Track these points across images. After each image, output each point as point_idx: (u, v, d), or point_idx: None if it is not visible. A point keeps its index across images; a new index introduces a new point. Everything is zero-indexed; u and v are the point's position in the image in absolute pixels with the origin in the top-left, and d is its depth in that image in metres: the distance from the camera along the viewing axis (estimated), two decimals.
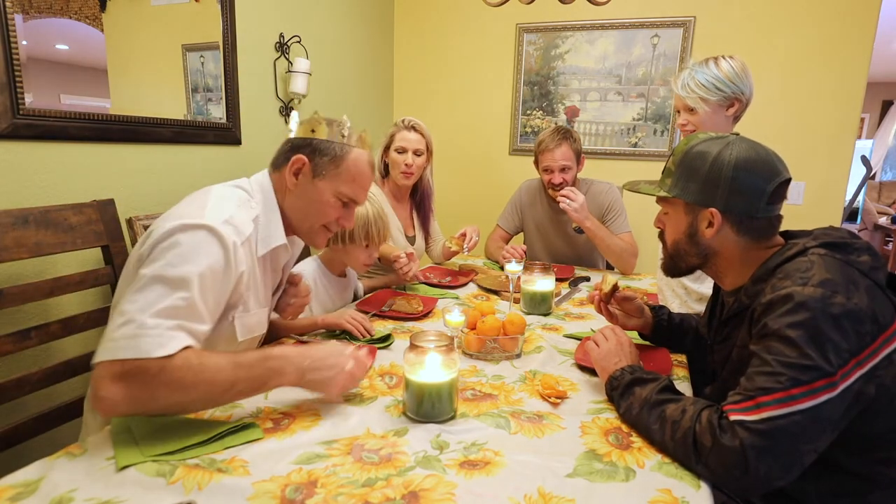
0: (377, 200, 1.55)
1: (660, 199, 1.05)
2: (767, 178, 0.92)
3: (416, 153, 2.00)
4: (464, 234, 1.95)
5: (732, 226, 0.95)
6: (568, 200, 1.98)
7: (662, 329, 1.29)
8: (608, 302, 1.27)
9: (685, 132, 1.58)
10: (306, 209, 1.11)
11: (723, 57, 1.51)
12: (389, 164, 2.05)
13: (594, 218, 2.06)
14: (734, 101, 1.51)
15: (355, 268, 1.58)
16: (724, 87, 1.48)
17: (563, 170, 2.11)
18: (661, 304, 1.62)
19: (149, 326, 0.83)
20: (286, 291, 1.27)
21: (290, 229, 1.14)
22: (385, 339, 1.33)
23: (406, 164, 1.99)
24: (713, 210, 0.94)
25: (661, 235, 1.09)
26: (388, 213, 2.03)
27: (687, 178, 0.97)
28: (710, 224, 0.96)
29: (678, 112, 1.61)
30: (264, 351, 0.94)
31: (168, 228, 0.92)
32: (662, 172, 1.04)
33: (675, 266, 1.07)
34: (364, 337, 1.33)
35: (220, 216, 0.96)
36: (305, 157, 1.08)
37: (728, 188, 0.93)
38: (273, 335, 1.32)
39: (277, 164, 1.13)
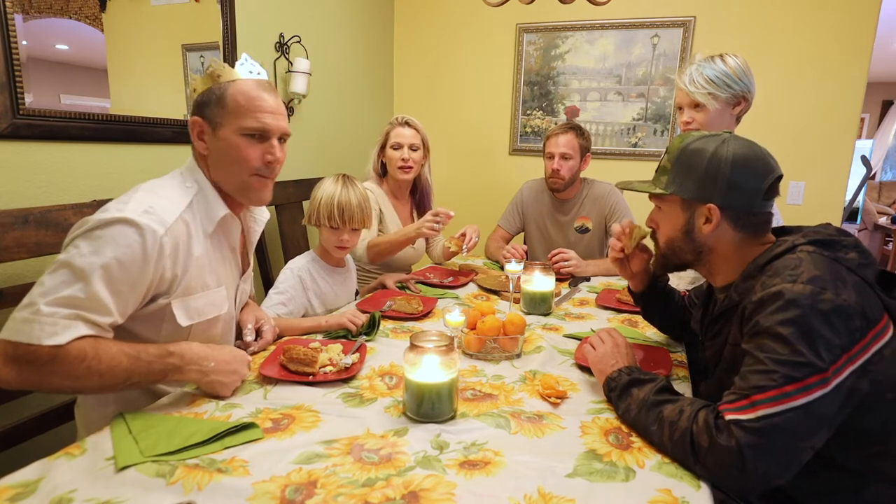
0: (360, 189, 1.56)
1: (654, 197, 1.05)
2: (763, 175, 0.94)
3: (412, 148, 2.01)
4: (463, 235, 1.96)
5: (730, 221, 0.96)
6: (564, 263, 1.99)
7: (656, 290, 1.34)
8: (630, 252, 1.29)
9: (687, 131, 1.54)
10: (226, 165, 1.07)
11: (727, 54, 1.49)
12: (386, 162, 2.05)
13: (594, 261, 2.07)
14: (741, 100, 1.49)
15: (331, 251, 1.58)
16: (733, 84, 1.46)
17: (563, 156, 2.12)
18: None
19: (44, 314, 0.84)
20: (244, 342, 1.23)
21: (229, 199, 1.12)
22: (371, 326, 1.36)
23: (403, 160, 1.99)
24: (711, 206, 0.95)
25: (653, 235, 1.10)
26: (387, 212, 2.04)
27: (684, 175, 0.98)
28: (708, 220, 0.96)
29: (680, 109, 1.57)
30: (167, 347, 0.95)
31: (90, 222, 0.93)
32: (657, 171, 1.05)
33: (666, 263, 1.08)
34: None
35: (140, 207, 0.96)
36: (198, 117, 1.07)
37: (726, 184, 0.94)
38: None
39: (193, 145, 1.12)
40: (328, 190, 1.52)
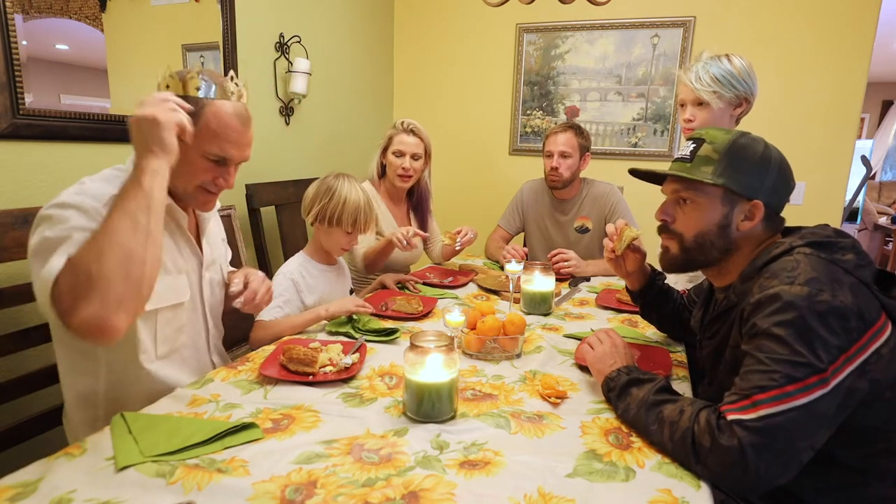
0: (367, 195, 1.56)
1: (686, 189, 1.00)
2: (793, 181, 0.99)
3: (414, 157, 2.00)
4: (459, 231, 1.96)
5: (765, 220, 0.97)
6: (564, 263, 1.99)
7: (654, 289, 1.34)
8: (620, 253, 1.29)
9: (688, 129, 1.53)
10: (176, 172, 1.00)
11: (733, 55, 1.48)
12: (387, 166, 2.05)
13: (594, 261, 2.07)
14: (742, 102, 1.48)
15: (333, 251, 1.59)
16: (737, 84, 1.45)
17: (562, 155, 2.12)
18: None
19: (51, 261, 0.86)
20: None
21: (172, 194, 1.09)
22: (390, 334, 1.34)
23: (403, 168, 1.99)
24: (757, 202, 0.95)
25: (666, 227, 1.05)
26: (383, 213, 2.04)
27: (734, 168, 0.96)
28: (747, 217, 0.96)
29: (682, 106, 1.55)
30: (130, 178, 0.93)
31: (34, 226, 0.93)
32: (691, 161, 0.99)
33: (689, 261, 1.03)
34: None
35: (72, 190, 0.96)
36: None
37: (773, 183, 0.96)
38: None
39: None
40: (350, 194, 1.50)
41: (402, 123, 2.03)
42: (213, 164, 1.06)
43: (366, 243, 1.92)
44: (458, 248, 2.00)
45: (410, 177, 2.02)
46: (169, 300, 1.09)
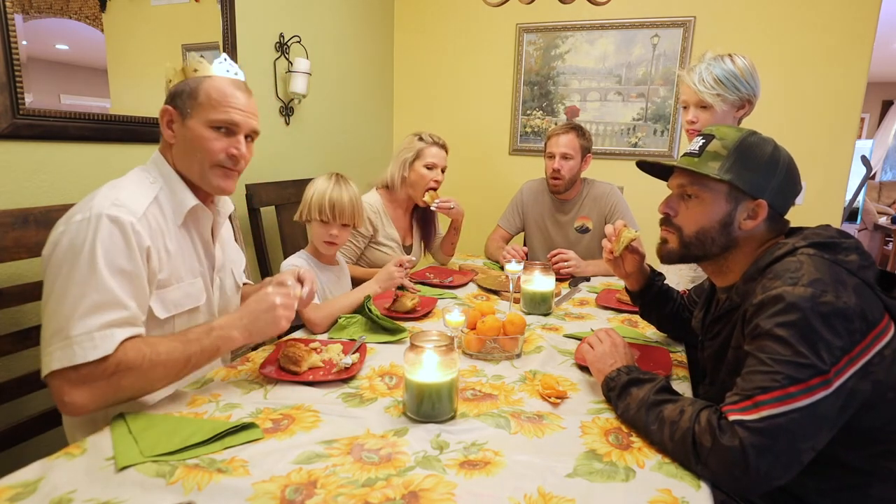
0: (352, 188, 1.59)
1: (693, 184, 0.99)
2: (799, 185, 0.99)
3: (443, 169, 2.05)
4: (446, 201, 2.00)
5: (768, 221, 0.97)
6: (564, 263, 1.99)
7: (653, 290, 1.34)
8: (618, 254, 1.29)
9: (692, 131, 1.51)
10: (190, 153, 1.08)
11: (736, 54, 1.46)
12: (412, 177, 2.02)
13: (594, 261, 2.07)
14: (745, 103, 1.47)
15: (319, 246, 1.61)
16: (741, 86, 1.43)
17: (564, 156, 2.12)
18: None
19: (74, 335, 0.86)
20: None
21: (197, 189, 1.12)
22: (397, 332, 1.35)
23: (435, 181, 2.02)
24: (762, 202, 0.95)
25: (668, 220, 1.04)
26: (386, 223, 2.03)
27: (742, 165, 0.95)
28: (750, 216, 0.96)
29: (685, 108, 1.52)
30: (207, 324, 0.99)
31: (61, 231, 0.93)
32: (698, 155, 0.98)
33: (685, 254, 1.03)
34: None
35: (107, 202, 0.95)
36: (169, 106, 1.09)
37: (779, 184, 0.96)
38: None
39: (160, 136, 1.13)
40: (320, 186, 1.57)
41: (430, 136, 2.04)
42: (222, 134, 1.08)
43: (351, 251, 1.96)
44: (433, 208, 2.02)
45: (438, 189, 2.05)
46: (185, 306, 1.10)
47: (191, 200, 1.10)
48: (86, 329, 0.87)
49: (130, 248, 0.94)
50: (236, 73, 1.12)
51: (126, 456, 0.79)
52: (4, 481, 0.73)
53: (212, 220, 1.18)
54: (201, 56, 1.10)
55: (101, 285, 0.89)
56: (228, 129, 1.08)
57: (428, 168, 2.01)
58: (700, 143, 1.00)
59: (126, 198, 0.98)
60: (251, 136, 1.14)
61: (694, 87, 1.47)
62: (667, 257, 1.07)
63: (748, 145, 0.96)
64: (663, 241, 1.07)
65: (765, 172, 0.95)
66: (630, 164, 2.89)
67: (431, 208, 2.01)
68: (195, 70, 1.08)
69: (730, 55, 1.46)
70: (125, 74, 1.63)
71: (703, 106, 1.47)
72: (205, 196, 1.15)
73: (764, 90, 1.52)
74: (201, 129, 1.06)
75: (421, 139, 2.03)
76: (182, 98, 1.07)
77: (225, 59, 1.12)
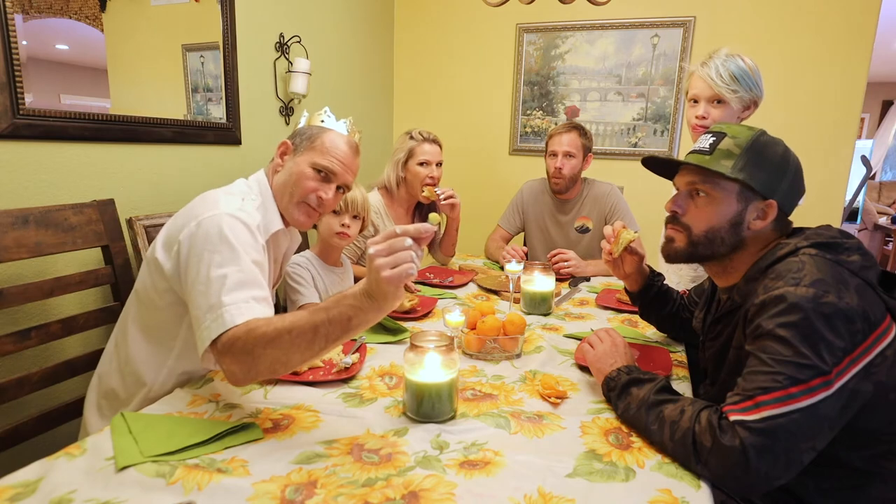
0: (359, 184, 1.58)
1: (701, 180, 0.98)
2: (804, 182, 0.99)
3: (438, 165, 2.04)
4: (448, 196, 2.00)
5: (775, 221, 0.97)
6: (564, 263, 1.99)
7: (652, 290, 1.34)
8: (617, 255, 1.29)
9: (700, 126, 1.47)
10: (288, 183, 1.20)
11: (743, 56, 1.45)
12: (408, 177, 2.05)
13: (594, 261, 2.07)
14: (752, 104, 1.46)
15: (329, 239, 1.58)
16: (752, 86, 1.42)
17: (566, 155, 2.13)
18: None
19: (226, 304, 0.93)
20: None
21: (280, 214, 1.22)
22: (399, 332, 1.35)
23: (431, 178, 2.02)
24: (772, 202, 0.95)
25: (675, 219, 1.02)
26: (387, 224, 2.04)
27: (755, 165, 0.94)
28: (760, 216, 0.96)
29: (696, 102, 1.47)
30: (338, 294, 0.93)
31: (193, 227, 1.01)
32: (708, 154, 0.96)
33: (694, 253, 1.01)
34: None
35: (232, 207, 1.06)
36: (288, 140, 1.23)
37: (789, 185, 0.95)
38: None
39: (272, 159, 1.25)
40: None
41: (420, 133, 2.04)
42: (319, 176, 1.20)
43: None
44: (442, 202, 2.01)
45: (436, 184, 2.04)
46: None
47: (277, 224, 1.20)
48: (234, 300, 0.93)
49: (256, 243, 1.06)
50: (356, 135, 1.27)
51: (126, 456, 0.79)
52: (4, 481, 0.73)
53: (287, 245, 1.32)
54: (330, 113, 1.25)
55: (245, 266, 0.98)
56: (327, 174, 1.21)
57: (422, 165, 2.01)
58: (710, 141, 0.98)
59: (245, 209, 1.10)
60: (343, 188, 1.27)
61: (710, 81, 1.43)
62: (673, 256, 1.05)
63: (762, 145, 0.96)
64: (669, 240, 1.04)
65: (777, 173, 0.95)
66: (630, 164, 2.91)
67: (442, 201, 2.00)
68: (322, 121, 1.24)
69: (739, 55, 1.45)
70: (125, 74, 1.63)
71: (717, 101, 1.44)
72: (285, 221, 1.24)
73: (764, 90, 1.51)
74: (305, 167, 1.19)
75: (412, 137, 2.04)
76: (301, 137, 1.22)
77: (349, 121, 1.27)
